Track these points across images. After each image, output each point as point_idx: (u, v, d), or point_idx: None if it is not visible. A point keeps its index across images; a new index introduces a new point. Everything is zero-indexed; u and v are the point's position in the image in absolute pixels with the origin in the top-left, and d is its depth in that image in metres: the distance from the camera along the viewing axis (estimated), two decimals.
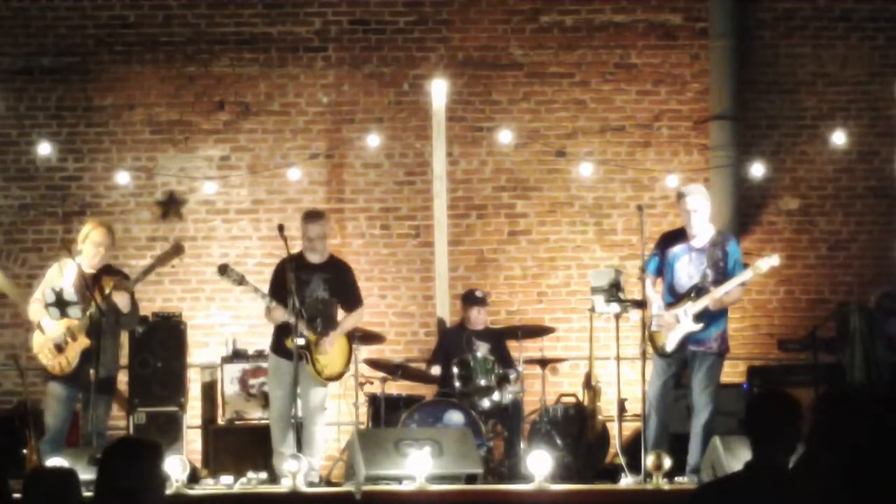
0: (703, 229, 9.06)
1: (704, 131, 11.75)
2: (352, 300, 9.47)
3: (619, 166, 11.72)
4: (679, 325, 8.89)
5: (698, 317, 8.88)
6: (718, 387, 9.09)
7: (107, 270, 9.08)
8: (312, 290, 9.20)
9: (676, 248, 9.05)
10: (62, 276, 8.94)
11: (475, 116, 11.77)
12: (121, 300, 8.86)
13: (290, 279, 8.97)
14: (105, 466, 4.56)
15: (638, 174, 11.72)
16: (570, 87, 11.82)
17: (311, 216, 9.48)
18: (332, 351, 9.19)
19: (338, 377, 9.39)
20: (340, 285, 9.35)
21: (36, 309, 8.96)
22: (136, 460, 4.53)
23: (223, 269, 9.18)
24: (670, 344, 8.91)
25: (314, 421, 9.23)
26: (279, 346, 9.22)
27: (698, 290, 8.92)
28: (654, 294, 9.09)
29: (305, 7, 11.80)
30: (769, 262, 8.99)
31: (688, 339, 8.92)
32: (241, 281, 9.18)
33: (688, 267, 9.00)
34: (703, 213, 9.02)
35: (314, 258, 9.31)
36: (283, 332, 9.15)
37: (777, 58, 11.91)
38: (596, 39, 11.83)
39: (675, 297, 9.01)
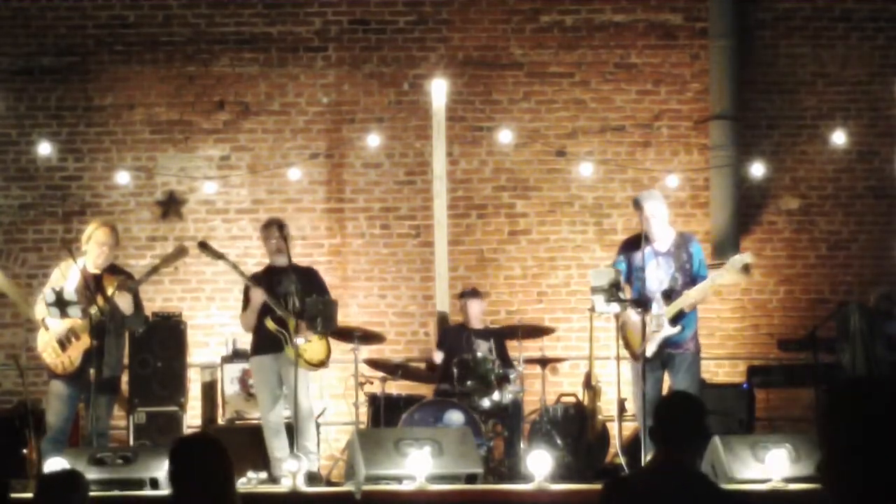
0: (664, 233, 9.10)
1: (704, 131, 11.75)
2: None
3: (619, 166, 11.72)
4: (645, 329, 8.90)
5: (674, 320, 8.91)
6: (701, 385, 9.16)
7: (111, 270, 9.08)
8: (284, 288, 9.27)
9: (642, 254, 9.06)
10: (65, 276, 8.95)
11: (475, 116, 11.77)
12: (122, 302, 8.87)
13: (263, 280, 9.26)
14: (181, 462, 4.50)
15: (638, 174, 11.72)
16: (570, 87, 11.82)
17: (277, 221, 9.63)
18: (312, 338, 9.28)
19: (319, 365, 9.42)
20: (310, 286, 9.42)
21: (41, 309, 8.97)
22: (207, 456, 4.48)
23: (203, 245, 9.49)
24: (650, 349, 8.92)
25: (306, 417, 9.24)
26: (258, 345, 9.34)
27: (670, 294, 8.95)
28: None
29: (305, 7, 11.81)
30: (742, 259, 9.03)
31: (665, 343, 8.95)
32: (219, 256, 9.40)
33: (657, 272, 9.03)
34: (661, 218, 9.08)
35: (281, 261, 9.40)
36: (261, 329, 9.27)
37: (777, 58, 11.91)
38: (596, 39, 11.83)
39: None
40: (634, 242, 9.16)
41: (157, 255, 10.93)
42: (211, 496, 4.38)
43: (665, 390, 9.26)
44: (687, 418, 4.64)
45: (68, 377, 8.88)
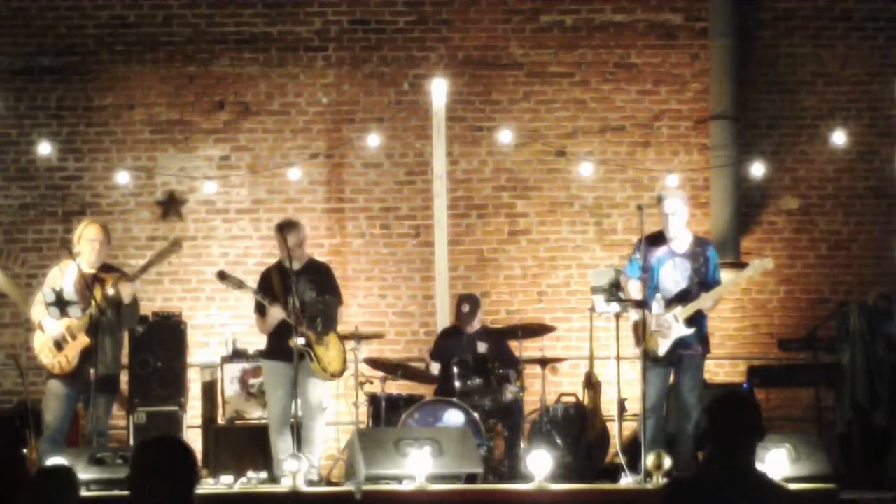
0: (681, 233, 9.10)
1: (704, 131, 11.75)
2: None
3: (619, 166, 11.72)
4: (671, 330, 8.90)
5: (689, 321, 8.90)
6: (703, 385, 9.20)
7: (106, 269, 9.06)
8: (301, 292, 9.21)
9: (658, 253, 9.05)
10: (63, 277, 8.93)
11: (475, 116, 11.77)
12: (125, 291, 8.83)
13: (276, 283, 9.12)
14: (140, 466, 4.44)
15: (638, 174, 11.72)
16: (570, 87, 11.82)
17: (287, 226, 9.43)
18: (330, 348, 9.23)
19: (339, 374, 9.41)
20: (324, 285, 9.39)
21: (38, 310, 8.96)
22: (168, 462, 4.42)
23: (222, 276, 9.26)
24: (662, 349, 8.91)
25: (314, 418, 9.23)
26: (275, 350, 9.25)
27: (687, 295, 8.94)
28: (640, 297, 9.08)
29: (305, 7, 11.81)
30: (763, 265, 9.04)
31: (677, 343, 8.94)
32: (240, 285, 9.26)
33: (673, 272, 9.02)
34: (681, 217, 9.07)
35: (295, 265, 9.30)
36: (278, 336, 9.19)
37: (777, 58, 11.91)
38: (596, 39, 11.84)
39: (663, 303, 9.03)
40: (653, 241, 9.14)
41: (155, 251, 10.90)
42: (170, 500, 4.32)
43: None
44: (741, 418, 4.61)
45: (66, 377, 8.86)
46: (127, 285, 8.84)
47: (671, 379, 9.11)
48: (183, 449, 4.44)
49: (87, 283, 8.80)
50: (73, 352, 8.82)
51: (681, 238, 9.11)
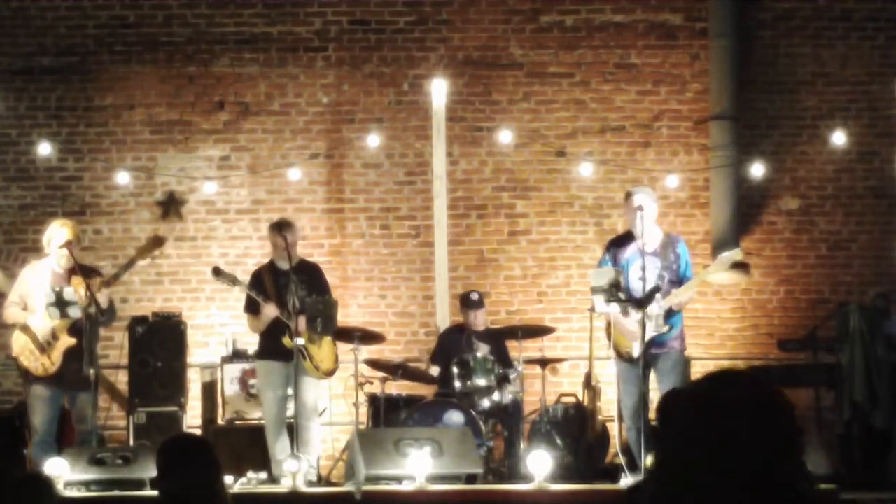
0: (651, 230, 9.01)
1: (704, 131, 11.75)
2: None
3: (619, 166, 11.72)
4: (645, 329, 8.85)
5: (663, 319, 8.87)
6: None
7: (80, 268, 9.00)
8: (293, 292, 9.23)
9: (628, 254, 9.00)
10: (32, 277, 8.91)
11: (475, 116, 11.77)
12: (102, 299, 8.82)
13: (268, 283, 9.21)
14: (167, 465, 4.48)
15: (638, 174, 11.72)
16: (570, 87, 11.82)
17: (286, 225, 9.48)
18: (322, 346, 9.27)
19: (331, 373, 9.44)
20: (315, 285, 9.41)
21: (14, 312, 8.94)
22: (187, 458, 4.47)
23: (217, 272, 9.32)
24: (637, 349, 8.86)
25: (310, 418, 9.25)
26: (269, 350, 9.27)
27: (657, 294, 8.88)
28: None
29: (305, 7, 11.81)
30: (731, 256, 8.96)
31: (650, 343, 8.89)
32: (234, 281, 9.30)
33: (642, 271, 8.93)
34: (649, 213, 8.95)
35: (283, 263, 9.34)
36: (272, 335, 9.21)
37: (777, 58, 11.91)
38: (596, 39, 11.83)
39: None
40: (621, 241, 9.12)
41: (157, 254, 10.92)
42: (200, 496, 4.37)
43: (652, 391, 9.21)
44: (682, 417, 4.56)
45: (49, 379, 8.85)
46: (102, 294, 8.81)
47: (653, 381, 9.07)
48: (208, 446, 4.52)
49: (88, 284, 8.79)
50: (57, 353, 8.81)
51: (650, 236, 9.02)
